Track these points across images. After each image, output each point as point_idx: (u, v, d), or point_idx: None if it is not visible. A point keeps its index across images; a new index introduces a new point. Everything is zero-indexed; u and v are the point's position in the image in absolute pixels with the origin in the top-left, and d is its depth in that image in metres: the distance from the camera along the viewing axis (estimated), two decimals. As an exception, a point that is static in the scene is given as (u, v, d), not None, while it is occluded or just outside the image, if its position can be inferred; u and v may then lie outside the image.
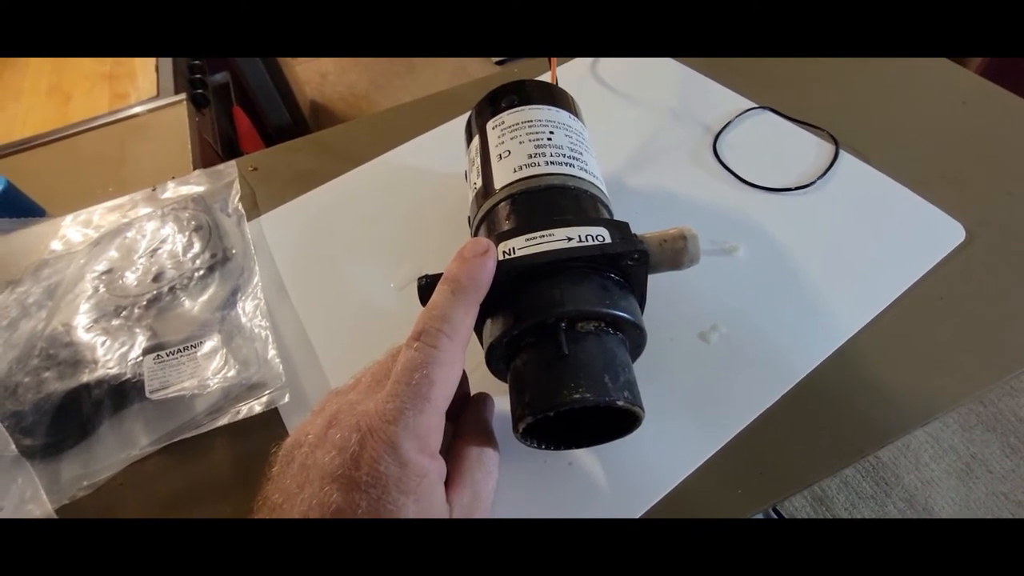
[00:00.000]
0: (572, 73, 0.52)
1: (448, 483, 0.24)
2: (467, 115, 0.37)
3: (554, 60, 0.43)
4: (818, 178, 0.40)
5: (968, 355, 0.32)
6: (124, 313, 0.36)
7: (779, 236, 0.38)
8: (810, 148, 0.43)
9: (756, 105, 0.46)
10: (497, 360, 0.27)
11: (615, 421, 0.25)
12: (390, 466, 0.21)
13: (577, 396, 0.23)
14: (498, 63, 1.19)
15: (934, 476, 1.00)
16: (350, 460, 0.21)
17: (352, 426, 0.22)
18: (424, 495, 0.22)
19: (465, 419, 0.27)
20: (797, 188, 0.40)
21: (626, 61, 0.52)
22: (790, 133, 0.45)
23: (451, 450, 0.26)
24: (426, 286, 0.27)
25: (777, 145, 0.44)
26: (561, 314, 0.25)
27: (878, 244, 0.37)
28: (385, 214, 0.43)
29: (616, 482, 0.29)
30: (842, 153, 0.42)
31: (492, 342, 0.26)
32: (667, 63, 0.52)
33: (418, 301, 0.27)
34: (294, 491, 0.22)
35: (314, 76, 1.59)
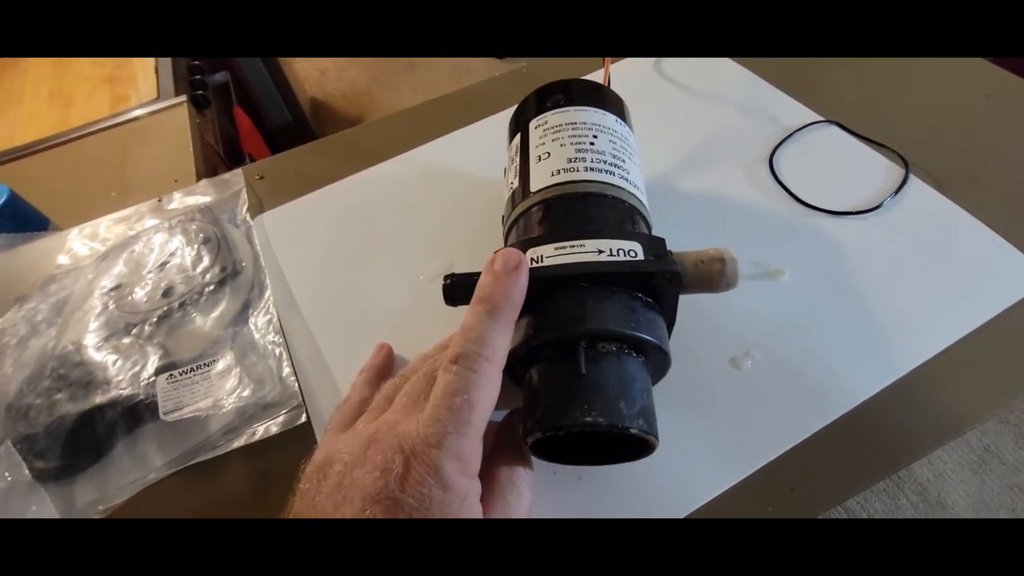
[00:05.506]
0: (631, 68, 0.49)
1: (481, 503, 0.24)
2: (496, 116, 0.36)
3: (607, 59, 0.40)
4: (882, 203, 0.37)
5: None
6: (135, 331, 0.35)
7: (831, 263, 0.34)
8: (877, 169, 0.39)
9: (822, 119, 0.43)
10: (514, 365, 0.26)
11: (628, 445, 0.25)
12: (434, 488, 0.21)
13: (589, 419, 0.22)
14: (499, 58, 1.17)
15: (947, 469, 0.99)
16: (395, 481, 0.21)
17: (395, 447, 0.22)
18: (464, 516, 0.22)
19: (498, 439, 0.27)
20: (857, 212, 0.36)
21: (687, 59, 0.49)
22: (856, 151, 0.41)
23: (483, 470, 0.25)
24: (452, 285, 0.26)
25: (840, 164, 0.40)
26: (582, 332, 0.24)
27: (941, 283, 0.33)
28: (406, 212, 0.42)
29: (625, 504, 0.28)
30: (912, 178, 0.38)
31: (511, 349, 0.25)
32: (730, 65, 0.49)
33: (432, 307, 0.26)
34: (329, 511, 0.22)
35: (314, 73, 1.58)
